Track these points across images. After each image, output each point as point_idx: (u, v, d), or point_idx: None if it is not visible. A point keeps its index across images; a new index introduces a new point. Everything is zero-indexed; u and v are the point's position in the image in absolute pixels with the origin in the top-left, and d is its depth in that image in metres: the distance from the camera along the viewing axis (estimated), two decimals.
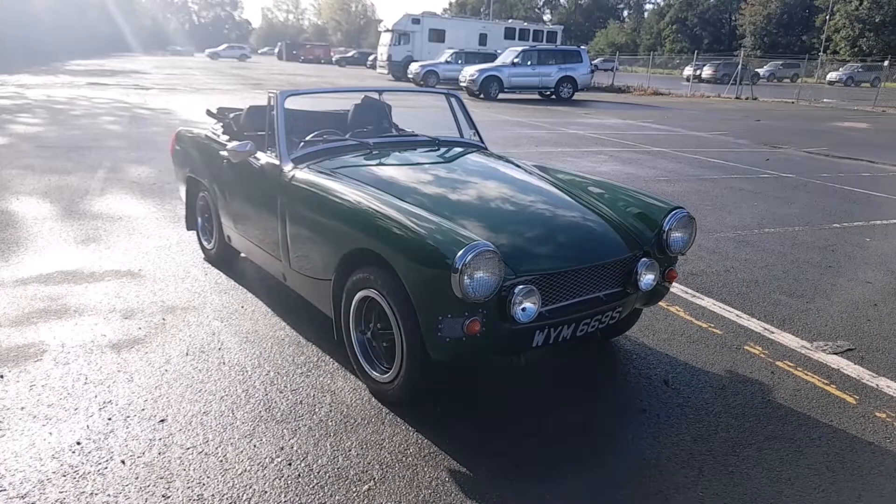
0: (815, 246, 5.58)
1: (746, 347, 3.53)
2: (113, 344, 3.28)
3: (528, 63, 22.84)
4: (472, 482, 2.32)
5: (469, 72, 22.75)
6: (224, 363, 3.14)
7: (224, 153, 3.98)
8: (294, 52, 62.65)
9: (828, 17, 51.83)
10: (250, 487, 2.25)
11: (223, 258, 4.46)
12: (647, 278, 2.86)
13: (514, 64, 22.58)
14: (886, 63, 33.04)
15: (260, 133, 4.31)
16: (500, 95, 22.49)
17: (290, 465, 2.38)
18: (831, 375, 3.24)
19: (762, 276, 4.74)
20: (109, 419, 2.62)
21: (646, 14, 79.47)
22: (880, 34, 51.03)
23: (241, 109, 4.56)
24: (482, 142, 4.21)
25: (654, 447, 2.58)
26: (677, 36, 68.03)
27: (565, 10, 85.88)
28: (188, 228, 4.81)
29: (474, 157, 3.79)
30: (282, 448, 2.48)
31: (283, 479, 2.30)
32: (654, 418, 2.80)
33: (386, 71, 33.91)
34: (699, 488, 2.33)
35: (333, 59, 58.94)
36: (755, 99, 26.71)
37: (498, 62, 23.32)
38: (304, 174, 3.27)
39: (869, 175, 9.66)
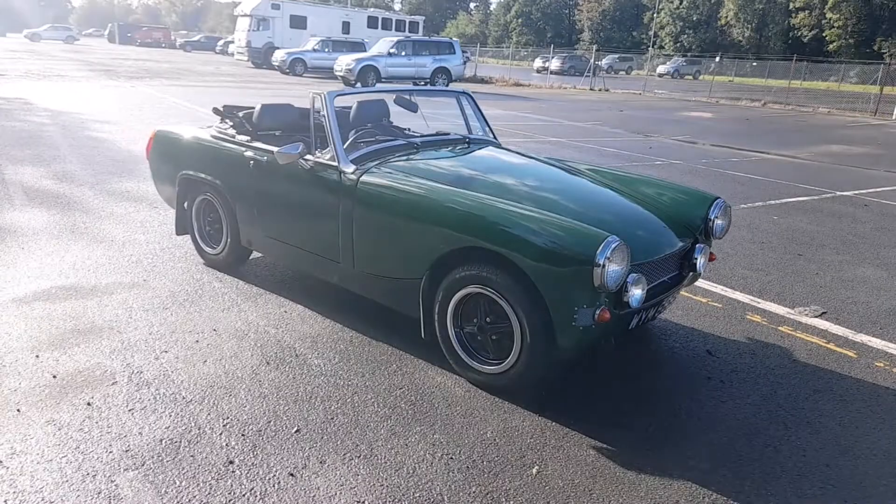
0: (740, 225, 6.40)
1: (748, 317, 4.08)
2: (184, 359, 3.12)
3: (404, 53, 23.08)
4: (616, 453, 2.57)
5: (345, 61, 22.54)
6: (309, 369, 3.11)
7: (249, 154, 3.85)
8: (128, 34, 57.65)
9: (655, 15, 57.04)
10: (432, 484, 2.34)
11: (233, 262, 4.29)
12: (702, 261, 3.27)
13: (390, 54, 22.69)
14: (717, 58, 36.97)
15: (274, 133, 4.20)
16: (378, 85, 22.53)
17: (452, 458, 2.49)
18: (825, 336, 3.86)
19: (717, 254, 5.40)
20: (243, 435, 2.55)
21: (492, 7, 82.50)
22: (698, 31, 57.10)
23: (250, 108, 4.39)
24: (496, 138, 4.42)
25: (738, 408, 2.98)
26: (523, 29, 71.43)
27: (416, 0, 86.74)
28: (179, 233, 4.54)
29: (515, 156, 3.99)
30: (433, 444, 2.57)
31: (455, 472, 2.41)
32: (719, 384, 3.21)
33: (245, 57, 32.49)
34: (794, 439, 2.76)
35: (177, 43, 55.12)
36: (607, 90, 28.93)
37: (373, 52, 23.29)
38: (375, 177, 3.29)
39: (738, 160, 11.02)
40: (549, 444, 2.62)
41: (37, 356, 3.07)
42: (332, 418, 2.71)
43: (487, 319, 2.94)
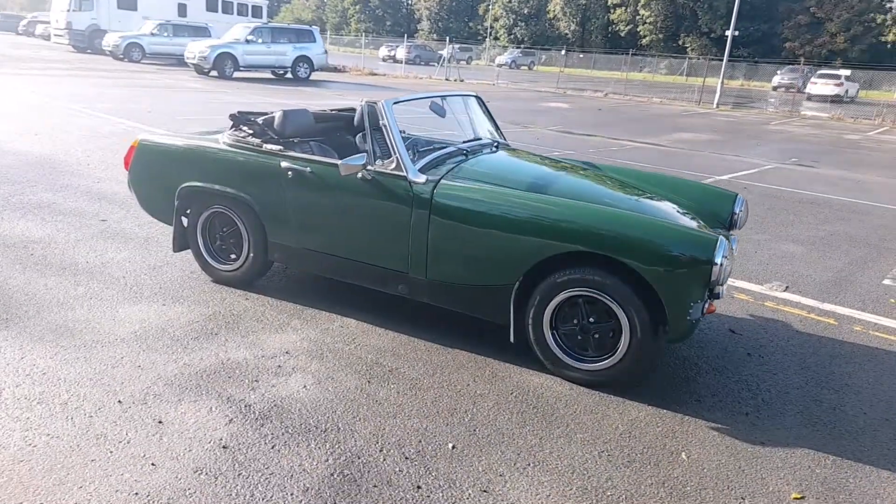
0: None
1: (735, 296, 4.63)
2: (281, 386, 2.96)
3: (261, 41, 22.03)
4: (735, 431, 2.89)
5: (198, 48, 21.08)
6: (413, 382, 3.09)
7: (286, 164, 3.66)
8: None
9: (490, 7, 59.39)
10: (611, 481, 2.49)
11: (250, 278, 4.04)
12: (735, 251, 3.70)
13: (247, 41, 21.56)
14: (564, 52, 39.31)
15: (293, 140, 4.01)
16: (236, 74, 21.39)
17: (608, 454, 2.65)
18: (803, 307, 4.50)
19: None
20: (406, 458, 2.52)
21: None
22: (529, 24, 60.33)
23: (265, 114, 4.12)
24: (505, 140, 4.57)
25: (788, 379, 3.44)
26: (361, 16, 70.85)
27: None
28: (177, 249, 4.18)
29: (548, 158, 4.19)
30: (583, 443, 2.71)
31: (620, 465, 2.58)
32: (759, 360, 3.66)
33: (65, 41, 29.17)
34: (848, 402, 3.26)
35: None
36: (461, 81, 29.78)
37: (229, 39, 21.98)
38: (453, 187, 3.32)
39: (617, 149, 12.03)
40: (676, 430, 2.87)
41: (119, 401, 2.75)
42: (474, 429, 2.75)
43: (591, 319, 3.12)
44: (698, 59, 48.76)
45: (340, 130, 4.57)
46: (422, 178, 3.38)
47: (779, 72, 40.25)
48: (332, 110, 4.74)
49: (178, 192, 4.05)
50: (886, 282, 5.13)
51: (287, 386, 2.97)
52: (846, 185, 9.71)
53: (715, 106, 23.87)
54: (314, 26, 27.10)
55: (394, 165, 3.43)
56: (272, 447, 2.52)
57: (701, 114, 21.29)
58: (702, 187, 4.07)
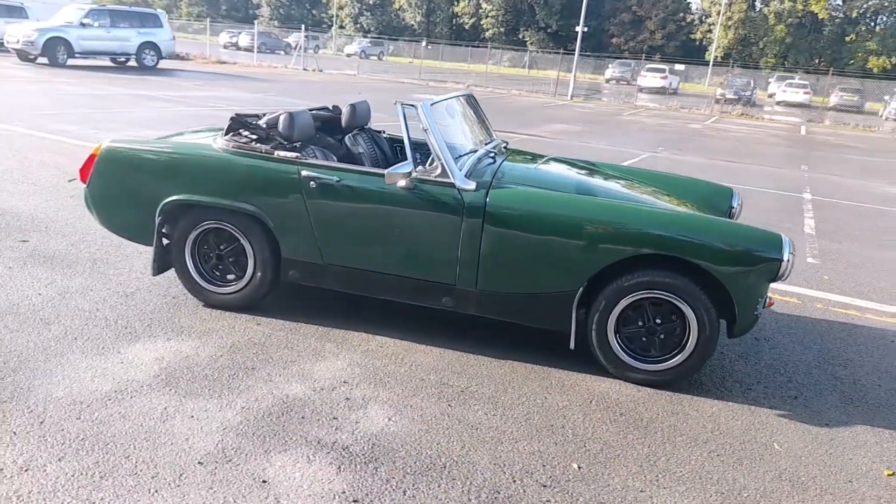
0: None
1: None
2: (369, 420, 2.69)
3: (99, 24, 19.79)
4: (804, 416, 3.08)
5: (22, 31, 18.53)
6: (494, 401, 2.95)
7: (308, 173, 3.32)
8: None
9: None
10: (744, 484, 2.55)
11: (252, 301, 3.62)
12: None
13: (83, 25, 19.27)
14: (425, 43, 39.31)
15: (294, 144, 3.65)
16: (70, 62, 19.06)
17: (720, 455, 2.71)
18: (787, 293, 4.90)
19: None
20: (543, 486, 2.40)
21: None
22: (375, 14, 59.96)
23: (259, 116, 3.68)
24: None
25: (802, 358, 3.73)
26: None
27: None
28: (157, 272, 3.64)
29: (566, 160, 4.21)
30: (691, 446, 2.75)
31: (739, 466, 2.65)
32: (768, 343, 3.94)
33: None
34: (860, 376, 3.60)
35: None
36: (321, 71, 28.91)
37: (59, 21, 19.48)
38: (506, 194, 3.20)
39: (510, 143, 12.36)
40: (754, 421, 3.00)
41: (199, 462, 2.33)
42: (584, 445, 2.69)
43: (657, 320, 3.16)
44: (538, 52, 51.53)
45: (325, 132, 4.23)
46: (471, 185, 3.21)
47: (610, 65, 43.64)
48: (310, 110, 4.37)
49: (160, 209, 3.52)
50: (810, 260, 5.75)
51: (371, 420, 2.70)
52: (715, 171, 10.72)
53: (570, 98, 25.31)
54: (159, 10, 24.83)
55: (438, 172, 3.23)
56: (404, 493, 2.28)
57: (560, 105, 22.46)
58: (698, 183, 4.28)
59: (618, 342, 3.22)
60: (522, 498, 2.32)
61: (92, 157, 3.64)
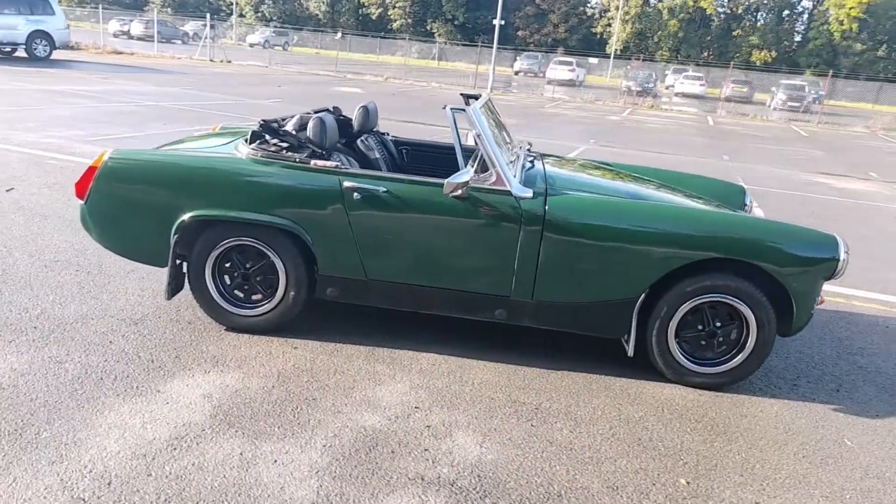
0: None
1: None
2: (461, 446, 2.52)
3: None
4: (848, 409, 3.19)
5: None
6: (573, 420, 2.86)
7: (350, 184, 3.08)
8: None
9: None
10: (833, 482, 2.60)
11: (281, 323, 3.33)
12: None
13: None
14: (339, 35, 38.25)
15: (317, 150, 3.39)
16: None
17: (806, 457, 2.75)
18: None
19: None
20: (667, 496, 2.34)
21: None
22: (277, 2, 57.95)
23: (280, 121, 3.37)
24: None
25: (823, 351, 3.88)
26: None
27: None
28: (171, 296, 3.29)
29: (590, 162, 4.16)
30: (774, 450, 2.78)
31: (827, 466, 2.70)
32: (794, 337, 4.07)
33: None
34: (878, 365, 3.79)
35: None
36: (229, 62, 27.60)
37: None
38: (566, 202, 3.11)
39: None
40: (817, 419, 3.07)
41: None
42: (679, 458, 2.65)
43: (717, 324, 3.17)
44: (446, 43, 51.69)
45: (345, 133, 3.97)
46: (528, 193, 3.09)
47: (518, 58, 44.41)
48: (315, 112, 4.09)
49: (177, 227, 3.16)
50: None
51: (463, 449, 2.54)
52: (659, 163, 11.11)
53: (490, 90, 25.50)
54: None
55: (493, 180, 3.09)
56: None
57: None
58: (712, 182, 4.35)
59: (678, 347, 3.21)
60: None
61: (91, 170, 3.22)
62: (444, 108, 3.25)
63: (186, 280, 3.32)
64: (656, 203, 3.27)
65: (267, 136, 3.27)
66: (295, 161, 3.17)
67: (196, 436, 2.45)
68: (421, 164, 4.38)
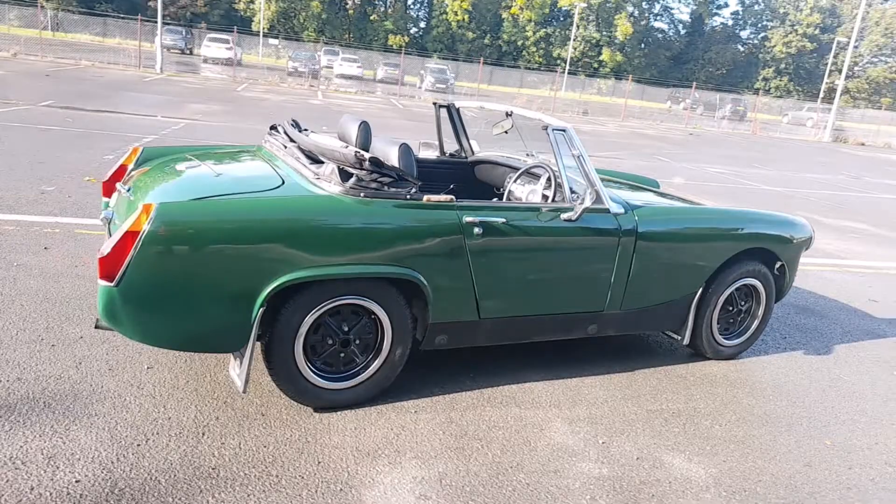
0: None
1: None
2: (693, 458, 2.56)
3: None
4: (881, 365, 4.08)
5: None
6: (692, 419, 3.11)
7: (471, 218, 2.76)
8: None
9: None
10: None
11: (374, 392, 2.82)
12: None
13: None
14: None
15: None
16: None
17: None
18: None
19: None
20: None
21: None
22: None
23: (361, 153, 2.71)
24: None
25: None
26: None
27: None
28: (246, 388, 2.51)
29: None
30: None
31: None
32: None
33: None
34: (816, 322, 4.84)
35: None
36: None
37: None
38: (647, 211, 3.29)
39: (175, 129, 10.89)
40: (799, 365, 3.86)
41: None
42: (826, 434, 3.11)
43: (742, 304, 3.72)
44: (58, 10, 43.79)
45: None
46: (620, 209, 3.18)
47: (160, 33, 40.23)
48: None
49: (265, 296, 2.40)
50: None
51: (701, 482, 2.58)
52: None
53: (160, 71, 22.75)
54: None
55: (595, 199, 3.08)
56: None
57: (164, 80, 20.10)
58: (642, 178, 4.89)
59: (717, 328, 3.68)
60: None
61: (128, 237, 2.20)
62: (545, 128, 3.06)
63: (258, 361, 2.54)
64: (702, 206, 3.64)
65: (351, 170, 2.64)
66: (406, 198, 2.66)
67: None
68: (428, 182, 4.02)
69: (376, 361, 2.76)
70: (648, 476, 2.53)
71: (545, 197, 3.29)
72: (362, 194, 2.60)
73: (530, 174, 3.61)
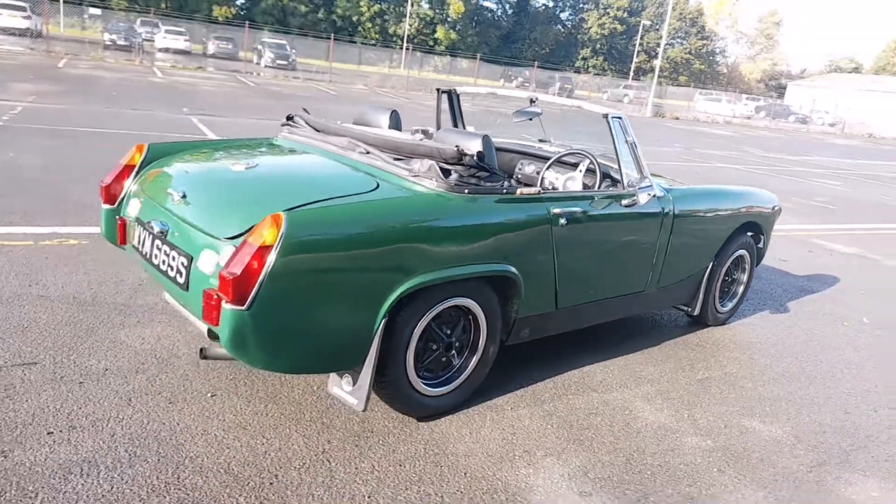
0: None
1: None
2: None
3: None
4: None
5: None
6: (752, 392, 3.38)
7: (558, 209, 2.76)
8: None
9: None
10: None
11: (469, 391, 2.73)
12: None
13: None
14: None
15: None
16: None
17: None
18: None
19: None
20: None
21: None
22: None
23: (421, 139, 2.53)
24: None
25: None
26: None
27: None
28: (366, 406, 2.33)
29: None
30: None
31: None
32: None
33: None
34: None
35: None
36: None
37: None
38: (680, 195, 3.48)
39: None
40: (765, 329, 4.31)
41: None
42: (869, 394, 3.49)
43: (735, 273, 4.08)
44: None
45: None
46: (663, 192, 3.33)
47: None
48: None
49: (390, 303, 2.23)
50: None
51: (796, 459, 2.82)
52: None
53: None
54: None
55: (649, 184, 3.20)
56: None
57: None
58: None
59: (720, 298, 3.99)
60: None
61: (260, 252, 1.91)
62: (606, 116, 3.06)
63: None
64: (712, 187, 3.92)
65: (439, 165, 2.48)
66: (503, 192, 2.57)
67: None
68: None
69: (471, 363, 2.66)
70: (746, 442, 2.72)
71: (585, 185, 3.33)
72: (466, 191, 2.47)
73: (562, 162, 3.64)
